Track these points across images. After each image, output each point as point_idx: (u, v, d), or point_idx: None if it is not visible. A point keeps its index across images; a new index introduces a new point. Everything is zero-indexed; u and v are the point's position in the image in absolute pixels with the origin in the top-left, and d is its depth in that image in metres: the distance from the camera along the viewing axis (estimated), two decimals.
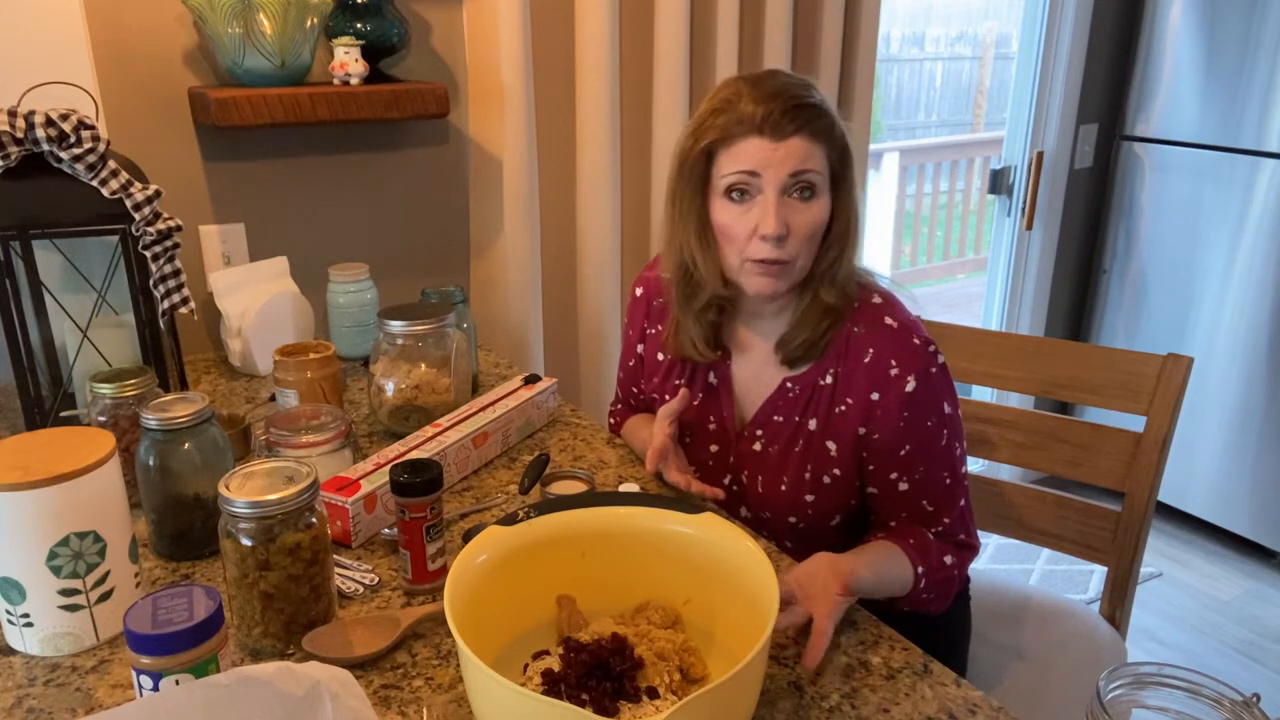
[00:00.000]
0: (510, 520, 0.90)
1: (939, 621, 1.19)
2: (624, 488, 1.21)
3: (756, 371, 1.22)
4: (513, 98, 1.80)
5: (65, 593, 0.89)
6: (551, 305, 2.05)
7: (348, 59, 1.61)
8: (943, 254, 5.19)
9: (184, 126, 1.65)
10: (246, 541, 0.87)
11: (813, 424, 1.17)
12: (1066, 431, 1.50)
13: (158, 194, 1.22)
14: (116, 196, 1.20)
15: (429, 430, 1.27)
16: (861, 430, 1.15)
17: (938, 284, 5.16)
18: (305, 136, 1.75)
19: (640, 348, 1.35)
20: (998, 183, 2.86)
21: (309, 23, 1.57)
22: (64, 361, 1.31)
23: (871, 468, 1.16)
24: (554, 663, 0.84)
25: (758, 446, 1.22)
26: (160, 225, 1.23)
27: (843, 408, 1.15)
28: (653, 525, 0.92)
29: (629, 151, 2.01)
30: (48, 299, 1.24)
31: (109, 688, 0.87)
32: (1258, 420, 2.63)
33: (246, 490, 0.87)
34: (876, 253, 4.83)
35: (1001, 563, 2.73)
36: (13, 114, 1.15)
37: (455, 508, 1.19)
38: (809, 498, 1.19)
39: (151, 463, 1.02)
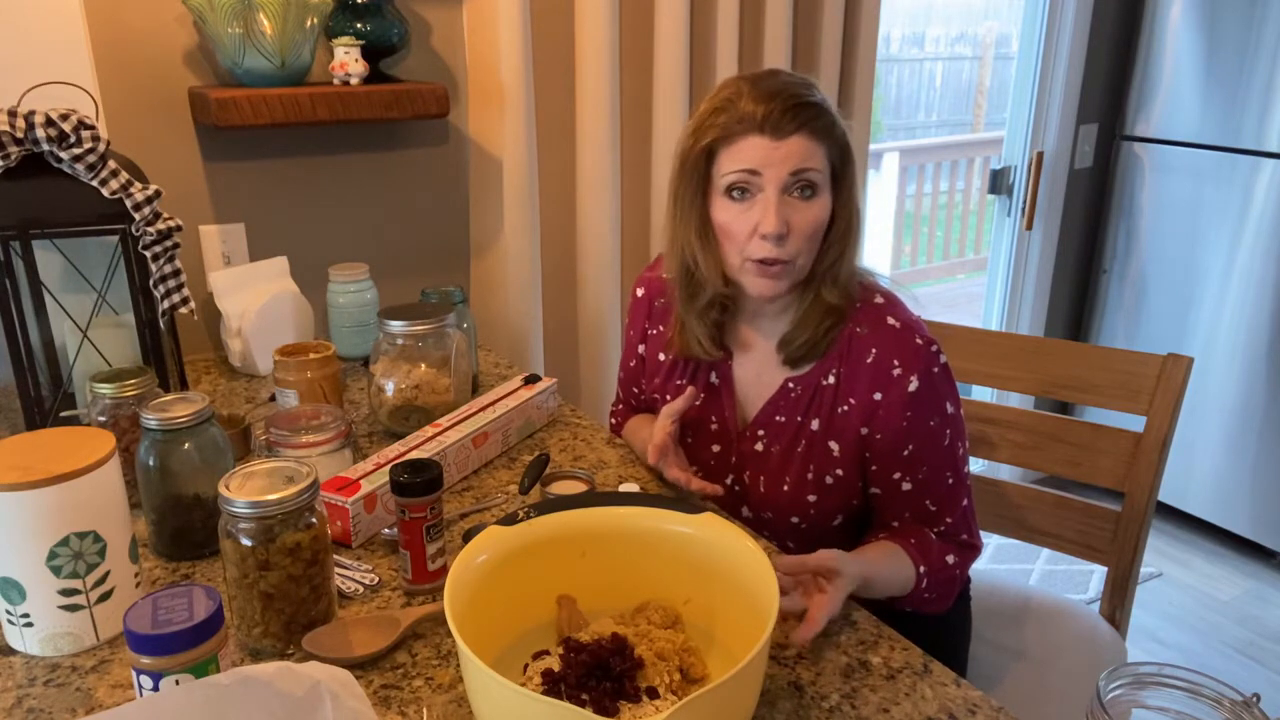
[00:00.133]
0: (510, 520, 0.90)
1: (939, 621, 1.19)
2: (624, 488, 1.21)
3: (758, 371, 1.22)
4: (513, 98, 1.80)
5: (65, 593, 0.89)
6: (551, 305, 2.05)
7: (348, 59, 1.61)
8: (943, 254, 5.19)
9: (184, 126, 1.65)
10: (246, 541, 0.87)
11: (815, 424, 1.17)
12: (1066, 431, 1.50)
13: (158, 194, 1.22)
14: (116, 196, 1.20)
15: (429, 430, 1.26)
16: (864, 430, 1.15)
17: (938, 284, 5.16)
18: (305, 136, 1.75)
19: (641, 348, 1.35)
20: (998, 183, 2.86)
21: (309, 23, 1.57)
22: (64, 361, 1.31)
23: (874, 468, 1.16)
24: (554, 663, 0.84)
25: (759, 447, 1.22)
26: (160, 225, 1.23)
27: (845, 408, 1.15)
28: (653, 525, 0.92)
29: (629, 151, 2.01)
30: (48, 299, 1.24)
31: (109, 688, 0.87)
32: (1258, 420, 2.63)
33: (246, 490, 0.87)
34: (877, 253, 4.83)
35: (1001, 563, 2.73)
36: (13, 114, 1.14)
37: (455, 508, 1.19)
38: (811, 498, 1.19)
39: (151, 463, 1.02)
